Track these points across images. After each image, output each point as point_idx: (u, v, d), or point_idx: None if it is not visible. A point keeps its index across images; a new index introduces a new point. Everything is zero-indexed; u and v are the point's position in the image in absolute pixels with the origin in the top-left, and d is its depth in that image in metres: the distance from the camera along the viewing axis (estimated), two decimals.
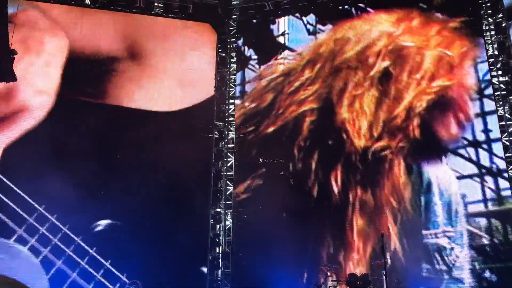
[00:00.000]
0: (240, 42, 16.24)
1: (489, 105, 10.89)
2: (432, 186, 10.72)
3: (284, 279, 12.08)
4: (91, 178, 13.47)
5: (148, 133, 14.77)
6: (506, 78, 12.20)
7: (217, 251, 15.01)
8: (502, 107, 11.73)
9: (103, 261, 13.09)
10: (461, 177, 10.15)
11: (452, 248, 10.01)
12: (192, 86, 15.61)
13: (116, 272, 13.18)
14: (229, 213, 15.42)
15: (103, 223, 13.70)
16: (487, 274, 9.40)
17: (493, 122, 10.49)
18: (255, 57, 15.73)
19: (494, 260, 9.37)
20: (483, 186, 9.85)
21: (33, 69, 14.21)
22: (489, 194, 9.75)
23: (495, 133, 10.42)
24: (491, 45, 13.12)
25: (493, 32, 13.22)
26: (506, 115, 11.85)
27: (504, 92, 12.15)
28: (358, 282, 10.47)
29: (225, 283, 14.61)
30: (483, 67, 11.53)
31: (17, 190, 12.98)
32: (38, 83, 14.18)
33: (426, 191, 10.70)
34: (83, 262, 12.89)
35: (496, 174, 9.86)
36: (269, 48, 15.58)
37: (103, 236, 13.39)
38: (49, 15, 14.79)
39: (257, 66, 15.51)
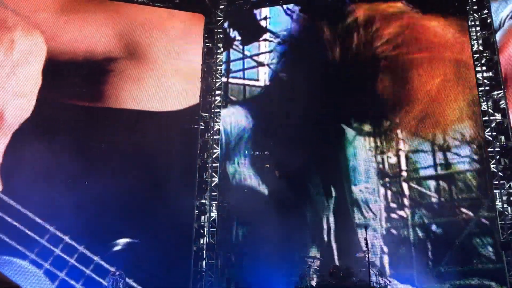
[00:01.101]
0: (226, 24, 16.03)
1: None
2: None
3: (269, 272, 12.18)
4: (72, 170, 13.36)
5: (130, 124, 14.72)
6: (490, 74, 12.43)
7: (202, 242, 15.04)
8: (485, 102, 12.20)
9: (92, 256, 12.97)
10: (415, 151, 11.59)
11: (375, 200, 11.49)
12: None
13: (105, 264, 13.04)
14: (214, 205, 15.43)
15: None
16: (433, 227, 10.86)
17: None
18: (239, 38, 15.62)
19: (440, 215, 10.87)
20: (434, 156, 11.38)
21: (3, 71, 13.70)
22: (438, 160, 11.27)
23: None
24: (476, 41, 13.23)
25: (478, 28, 13.34)
26: (489, 110, 12.18)
27: (488, 88, 12.46)
28: (341, 274, 10.51)
29: (209, 274, 14.66)
30: None
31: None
32: (13, 85, 13.65)
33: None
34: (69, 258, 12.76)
35: (446, 149, 11.41)
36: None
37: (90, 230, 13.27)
38: (23, 13, 14.40)
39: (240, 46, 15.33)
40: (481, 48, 12.98)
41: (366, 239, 10.20)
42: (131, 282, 13.21)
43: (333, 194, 12.16)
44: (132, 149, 14.80)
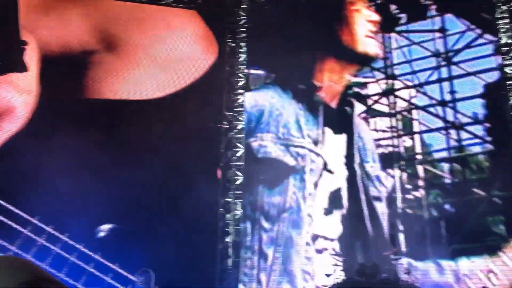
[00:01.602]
0: None
1: (457, 70, 12.28)
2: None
3: None
4: (95, 173, 13.37)
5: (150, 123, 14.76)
6: None
7: (227, 240, 15.04)
8: None
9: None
10: (427, 131, 12.19)
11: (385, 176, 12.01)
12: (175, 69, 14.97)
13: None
14: (238, 203, 15.42)
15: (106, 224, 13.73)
16: (447, 207, 11.53)
17: (459, 85, 12.12)
18: None
19: (453, 195, 11.45)
20: (447, 137, 11.87)
21: None
22: (452, 143, 11.85)
23: (460, 94, 12.12)
24: (504, 34, 12.74)
25: (506, 20, 12.85)
26: None
27: None
28: (368, 272, 10.65)
29: (234, 272, 14.67)
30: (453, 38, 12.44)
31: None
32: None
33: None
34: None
35: (459, 127, 11.84)
36: None
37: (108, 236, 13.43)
38: None
39: None
40: (509, 40, 12.49)
41: (392, 236, 10.65)
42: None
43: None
44: (154, 147, 14.85)
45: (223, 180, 15.40)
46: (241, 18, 16.37)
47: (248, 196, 12.91)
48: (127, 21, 15.28)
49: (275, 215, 12.55)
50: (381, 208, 11.78)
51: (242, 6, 16.24)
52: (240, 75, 16.08)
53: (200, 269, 14.17)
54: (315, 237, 12.14)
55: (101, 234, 13.73)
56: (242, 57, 16.19)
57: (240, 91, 16.08)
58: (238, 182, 15.39)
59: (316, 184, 12.36)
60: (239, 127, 15.85)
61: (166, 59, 15.35)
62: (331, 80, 13.28)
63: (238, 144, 15.68)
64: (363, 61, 13.21)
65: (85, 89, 14.64)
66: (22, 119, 13.95)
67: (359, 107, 13.06)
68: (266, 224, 12.54)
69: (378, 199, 11.89)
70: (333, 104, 13.16)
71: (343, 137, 12.73)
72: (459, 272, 10.85)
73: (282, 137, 13.25)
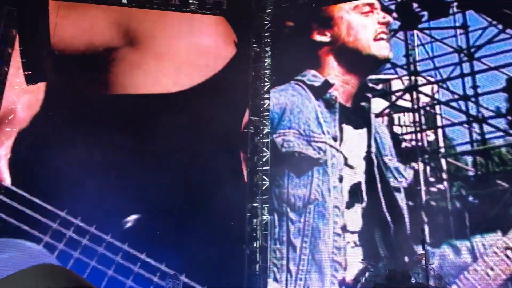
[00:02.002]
0: None
1: (479, 65, 12.46)
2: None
3: None
4: (123, 173, 13.73)
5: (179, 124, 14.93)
6: None
7: (254, 245, 15.02)
8: None
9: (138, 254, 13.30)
10: (450, 125, 12.35)
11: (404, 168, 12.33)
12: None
13: (153, 262, 13.37)
14: (265, 208, 15.40)
15: (133, 217, 14.04)
16: (470, 198, 11.69)
17: (480, 80, 12.31)
18: None
19: (477, 187, 11.63)
20: (470, 131, 12.06)
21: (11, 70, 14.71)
22: (475, 137, 12.02)
23: (482, 89, 12.30)
24: None
25: None
26: None
27: None
28: (398, 277, 10.50)
29: (262, 278, 14.63)
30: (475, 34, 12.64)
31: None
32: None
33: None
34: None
35: (481, 120, 12.01)
36: None
37: (137, 230, 13.66)
38: None
39: None
40: None
41: (423, 241, 10.45)
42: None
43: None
44: (181, 151, 15.00)
45: (250, 185, 15.44)
46: (266, 22, 16.48)
47: (274, 189, 13.37)
48: (149, 17, 15.88)
49: (301, 206, 12.93)
50: (401, 199, 12.09)
51: (267, 11, 16.37)
52: (266, 79, 16.16)
53: (228, 274, 14.21)
54: (343, 228, 12.46)
55: (128, 224, 14.00)
56: (267, 61, 16.27)
57: (266, 95, 16.15)
58: (264, 187, 15.40)
59: (340, 178, 12.75)
60: (265, 131, 15.89)
61: (187, 53, 15.70)
62: (345, 81, 13.70)
63: (265, 149, 15.70)
64: (373, 63, 13.50)
65: (110, 85, 15.22)
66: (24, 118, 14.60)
67: (375, 103, 13.34)
68: (293, 216, 12.93)
69: (398, 190, 12.18)
70: (349, 103, 13.54)
71: (361, 132, 13.06)
72: (476, 251, 11.21)
73: (303, 133, 13.61)
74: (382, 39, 13.48)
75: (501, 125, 12.05)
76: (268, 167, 15.62)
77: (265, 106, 16.04)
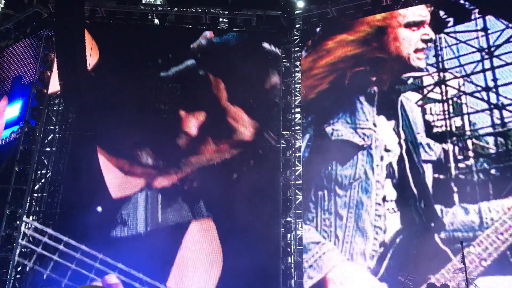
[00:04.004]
0: None
1: (498, 62, 14.54)
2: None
3: None
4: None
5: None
6: None
7: (289, 260, 14.87)
8: None
9: None
10: (474, 112, 14.48)
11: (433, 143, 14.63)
12: None
13: None
14: (299, 222, 15.27)
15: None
16: (493, 171, 13.74)
17: (499, 74, 14.41)
18: None
19: (498, 162, 13.77)
20: (492, 117, 14.23)
21: None
22: (496, 121, 14.12)
23: (501, 81, 14.40)
24: None
25: None
26: None
27: None
28: None
29: None
30: (494, 36, 14.80)
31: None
32: None
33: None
34: None
35: (501, 107, 14.15)
36: None
37: None
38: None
39: None
40: None
41: (463, 254, 10.34)
42: None
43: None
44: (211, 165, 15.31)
45: (283, 199, 15.38)
46: (295, 38, 16.65)
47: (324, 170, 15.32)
48: None
49: (347, 184, 14.99)
50: (430, 172, 14.26)
51: (296, 26, 16.56)
52: (296, 93, 16.22)
53: None
54: (383, 199, 14.56)
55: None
56: (297, 76, 16.36)
57: (297, 109, 16.18)
58: (298, 202, 15.29)
59: (381, 157, 14.90)
60: (297, 145, 15.87)
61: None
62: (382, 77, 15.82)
63: (297, 163, 15.65)
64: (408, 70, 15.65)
65: None
66: None
67: (404, 93, 15.49)
68: (340, 191, 14.96)
69: (429, 162, 14.37)
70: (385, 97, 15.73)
71: (392, 123, 15.29)
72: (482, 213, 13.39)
73: (349, 121, 15.64)
74: (420, 50, 15.58)
75: None
76: (300, 181, 15.56)
77: (296, 120, 16.07)
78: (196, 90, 16.44)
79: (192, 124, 15.91)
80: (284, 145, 15.88)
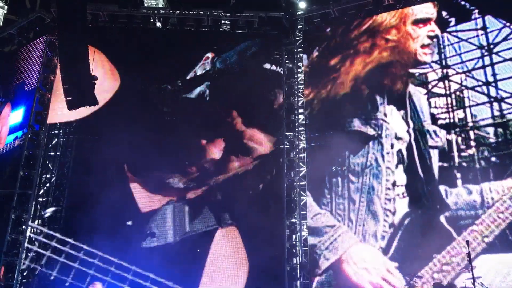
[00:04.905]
0: None
1: (497, 58, 15.56)
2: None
3: None
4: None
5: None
6: None
7: (294, 262, 14.83)
8: None
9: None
10: (476, 105, 15.50)
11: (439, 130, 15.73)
12: None
13: None
14: (304, 223, 15.24)
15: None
16: (493, 159, 14.73)
17: (498, 69, 15.46)
18: None
19: (498, 150, 14.79)
20: (491, 109, 15.25)
21: None
22: (495, 113, 15.15)
23: (500, 76, 15.42)
24: None
25: None
26: None
27: None
28: None
29: None
30: (493, 34, 15.86)
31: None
32: None
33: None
34: None
35: (500, 100, 15.15)
36: None
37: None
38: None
39: None
40: None
41: (469, 254, 10.47)
42: None
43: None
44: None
45: (288, 200, 15.35)
46: (298, 39, 16.65)
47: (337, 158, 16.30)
48: None
49: (359, 171, 15.96)
50: (435, 158, 15.29)
51: (298, 27, 16.56)
52: (299, 94, 16.22)
53: None
54: (393, 184, 15.52)
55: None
56: (300, 77, 16.36)
57: (300, 110, 16.16)
58: (302, 203, 15.26)
59: (392, 145, 15.82)
60: (301, 146, 15.85)
61: None
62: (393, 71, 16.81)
63: (301, 164, 15.63)
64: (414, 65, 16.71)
65: None
66: None
67: (411, 86, 16.46)
68: (353, 178, 15.91)
69: (435, 147, 15.41)
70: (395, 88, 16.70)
71: (403, 110, 16.27)
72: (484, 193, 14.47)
73: (362, 113, 16.62)
74: (427, 46, 16.56)
75: None
76: (305, 182, 15.53)
77: (299, 121, 16.06)
78: (211, 119, 16.71)
79: (215, 151, 16.20)
80: (288, 146, 15.88)
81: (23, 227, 14.97)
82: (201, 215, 15.40)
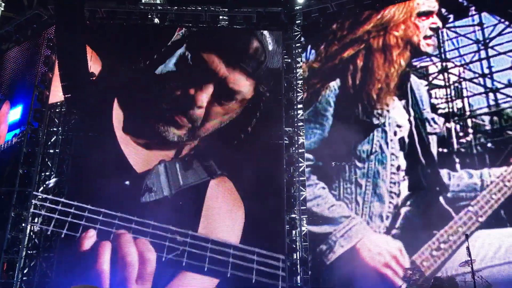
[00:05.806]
0: None
1: (492, 52, 16.69)
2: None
3: None
4: None
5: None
6: None
7: (295, 257, 14.85)
8: None
9: None
10: (473, 95, 16.65)
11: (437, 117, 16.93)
12: None
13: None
14: (304, 219, 15.26)
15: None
16: (489, 145, 15.86)
17: (494, 62, 16.59)
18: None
19: (493, 137, 15.92)
20: (487, 97, 16.44)
21: None
22: (491, 103, 16.34)
23: (495, 68, 16.57)
24: None
25: None
26: None
27: None
28: (445, 286, 10.72)
29: None
30: (489, 29, 17.00)
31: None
32: None
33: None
34: None
35: (495, 91, 16.29)
36: None
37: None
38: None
39: None
40: None
41: (468, 248, 10.46)
42: None
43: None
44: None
45: (288, 196, 15.34)
46: (296, 34, 16.62)
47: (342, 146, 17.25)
48: None
49: (365, 157, 17.02)
50: (435, 141, 16.46)
51: (296, 22, 16.53)
52: (298, 90, 16.20)
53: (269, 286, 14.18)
54: (397, 168, 16.68)
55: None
56: (299, 72, 16.34)
57: (299, 105, 16.15)
58: (302, 198, 15.26)
59: (395, 132, 16.93)
60: (300, 142, 15.84)
61: None
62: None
63: (300, 159, 15.62)
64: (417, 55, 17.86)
65: None
66: None
67: (413, 77, 17.59)
68: (359, 164, 17.02)
69: (434, 133, 16.55)
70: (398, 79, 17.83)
71: (404, 100, 17.38)
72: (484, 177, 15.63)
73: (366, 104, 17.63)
74: (429, 37, 17.62)
75: (510, 93, 16.25)
76: (304, 178, 15.53)
77: (299, 116, 16.05)
78: (196, 69, 16.65)
79: (203, 97, 16.22)
80: (287, 142, 15.88)
81: (23, 224, 14.98)
82: (191, 169, 15.94)
